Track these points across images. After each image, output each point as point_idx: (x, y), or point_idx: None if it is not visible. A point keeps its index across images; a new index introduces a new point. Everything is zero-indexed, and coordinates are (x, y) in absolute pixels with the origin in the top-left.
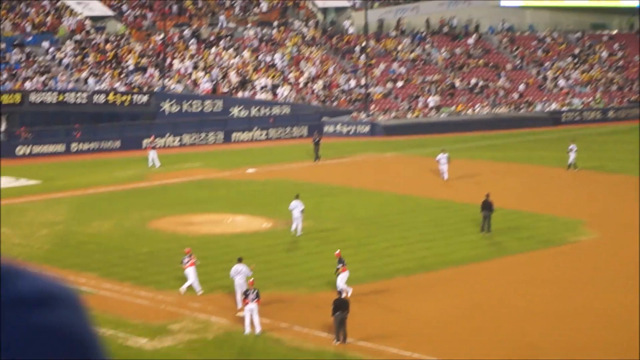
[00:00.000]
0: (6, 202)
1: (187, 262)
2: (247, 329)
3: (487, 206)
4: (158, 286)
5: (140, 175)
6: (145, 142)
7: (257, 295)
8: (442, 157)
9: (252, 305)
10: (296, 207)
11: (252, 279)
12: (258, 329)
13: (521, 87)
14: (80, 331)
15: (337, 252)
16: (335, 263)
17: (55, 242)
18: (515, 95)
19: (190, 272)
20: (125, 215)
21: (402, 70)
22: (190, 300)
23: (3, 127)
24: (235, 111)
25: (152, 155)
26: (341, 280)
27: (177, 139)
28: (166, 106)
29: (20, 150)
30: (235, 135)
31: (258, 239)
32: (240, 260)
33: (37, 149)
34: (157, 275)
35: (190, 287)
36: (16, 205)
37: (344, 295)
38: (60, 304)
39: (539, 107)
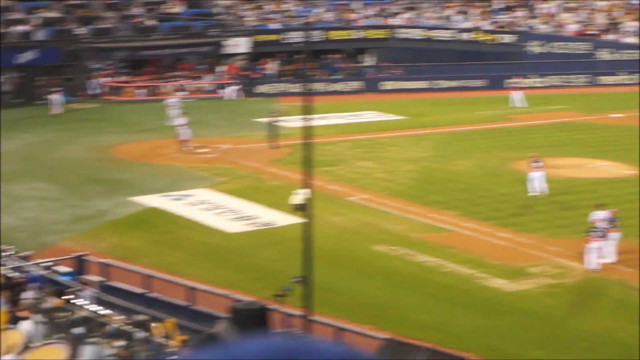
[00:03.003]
0: (371, 136)
1: (535, 166)
2: (588, 266)
3: None
4: (518, 228)
5: (504, 115)
6: (508, 82)
7: (603, 235)
8: None
9: (596, 244)
10: None
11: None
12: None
13: None
14: None
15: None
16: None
17: (418, 178)
18: None
19: (535, 177)
20: (487, 155)
21: None
22: (550, 244)
23: (371, 62)
24: (602, 54)
25: (516, 95)
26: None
27: (542, 80)
28: (532, 46)
29: (387, 85)
30: (601, 79)
31: (621, 186)
32: (599, 207)
33: (402, 84)
34: (518, 217)
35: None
36: (381, 139)
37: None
38: None
39: None
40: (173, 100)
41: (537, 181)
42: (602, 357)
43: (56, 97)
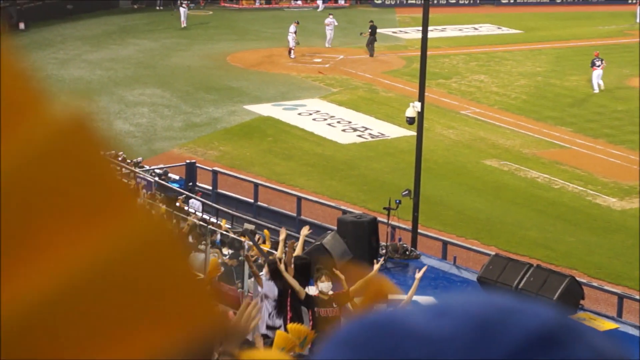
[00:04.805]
0: (487, 50)
1: (598, 65)
2: None
3: None
4: (632, 145)
5: (623, 30)
6: None
7: None
8: None
9: None
10: None
11: None
12: None
13: None
14: None
15: None
16: None
17: (532, 93)
18: None
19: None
20: (604, 71)
21: None
22: None
23: None
24: None
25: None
26: None
27: None
28: None
29: None
30: None
31: None
32: None
33: None
34: (632, 135)
35: None
36: (496, 53)
37: None
38: None
39: None
40: (330, 19)
41: (595, 78)
42: None
43: (184, 10)
